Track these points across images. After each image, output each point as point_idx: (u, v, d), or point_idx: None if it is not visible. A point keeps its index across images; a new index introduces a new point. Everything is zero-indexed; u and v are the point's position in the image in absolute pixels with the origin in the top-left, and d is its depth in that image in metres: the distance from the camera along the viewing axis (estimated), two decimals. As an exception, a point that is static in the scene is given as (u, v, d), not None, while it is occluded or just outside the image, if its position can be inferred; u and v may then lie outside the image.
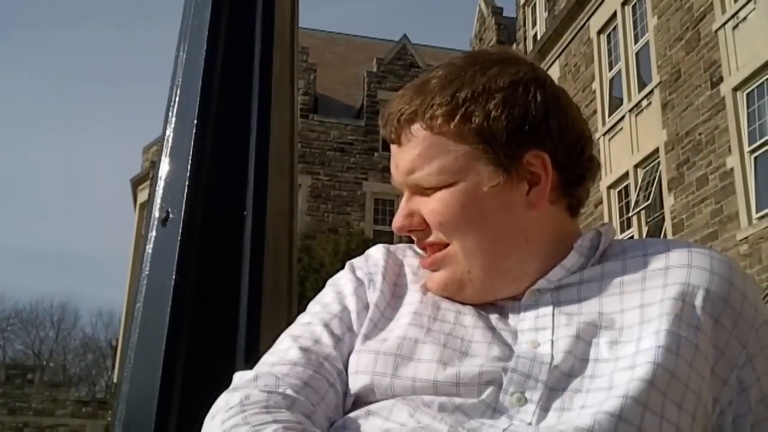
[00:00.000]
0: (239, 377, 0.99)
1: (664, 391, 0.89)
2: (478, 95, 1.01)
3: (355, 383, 0.99)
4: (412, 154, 1.04)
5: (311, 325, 1.05)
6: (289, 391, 0.95)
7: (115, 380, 25.01)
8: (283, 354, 1.01)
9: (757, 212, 12.98)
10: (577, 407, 0.90)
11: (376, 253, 1.14)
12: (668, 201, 15.07)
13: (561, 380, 0.92)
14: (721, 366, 0.95)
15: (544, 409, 0.90)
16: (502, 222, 1.01)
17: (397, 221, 1.06)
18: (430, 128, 1.02)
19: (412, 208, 1.05)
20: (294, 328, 1.07)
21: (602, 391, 0.90)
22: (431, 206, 1.03)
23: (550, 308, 0.99)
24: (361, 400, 0.98)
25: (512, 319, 1.00)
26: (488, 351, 0.96)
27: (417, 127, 1.03)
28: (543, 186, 1.02)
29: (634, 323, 0.95)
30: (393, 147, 1.08)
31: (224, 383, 1.00)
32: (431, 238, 1.04)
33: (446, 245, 1.03)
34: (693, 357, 0.92)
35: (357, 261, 1.14)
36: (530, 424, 0.90)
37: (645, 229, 15.79)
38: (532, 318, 0.99)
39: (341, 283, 1.11)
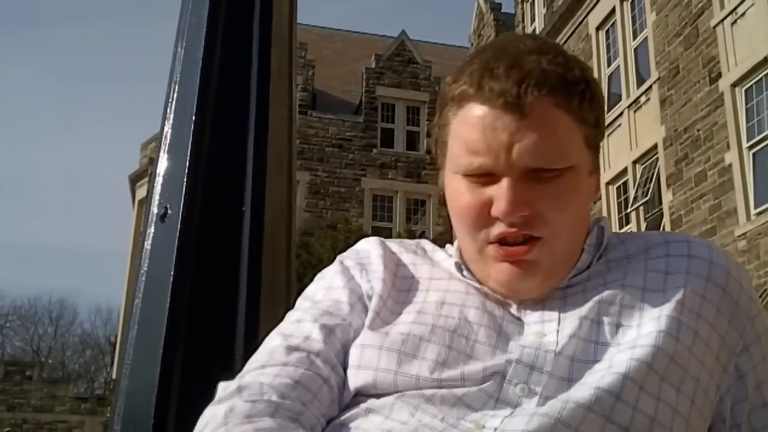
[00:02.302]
0: (223, 389, 0.97)
1: (662, 374, 0.91)
2: (584, 80, 0.99)
3: (358, 378, 0.97)
4: (541, 131, 0.94)
5: (301, 322, 1.03)
6: (275, 397, 0.93)
7: (113, 377, 25.00)
8: (273, 353, 1.00)
9: (755, 208, 12.99)
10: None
11: (368, 245, 1.11)
12: (667, 197, 15.08)
13: (566, 370, 0.92)
14: (723, 353, 0.97)
15: (549, 399, 0.90)
16: (587, 210, 1.03)
17: (514, 207, 0.94)
18: (559, 105, 0.95)
19: (527, 195, 0.94)
20: (284, 326, 1.05)
21: (602, 371, 0.91)
22: (556, 191, 0.95)
23: (557, 302, 0.99)
24: (361, 394, 0.97)
25: (518, 312, 1.00)
26: (493, 351, 0.95)
27: (549, 101, 0.95)
28: (599, 173, 1.05)
29: (637, 311, 0.96)
30: (506, 118, 0.94)
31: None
32: (530, 229, 0.96)
33: (537, 237, 0.96)
34: (692, 342, 0.94)
35: (347, 253, 1.12)
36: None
37: (644, 225, 15.79)
38: (538, 311, 0.99)
39: (331, 276, 1.09)
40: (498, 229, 0.96)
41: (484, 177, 0.96)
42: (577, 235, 1.01)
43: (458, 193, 0.99)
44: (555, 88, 0.95)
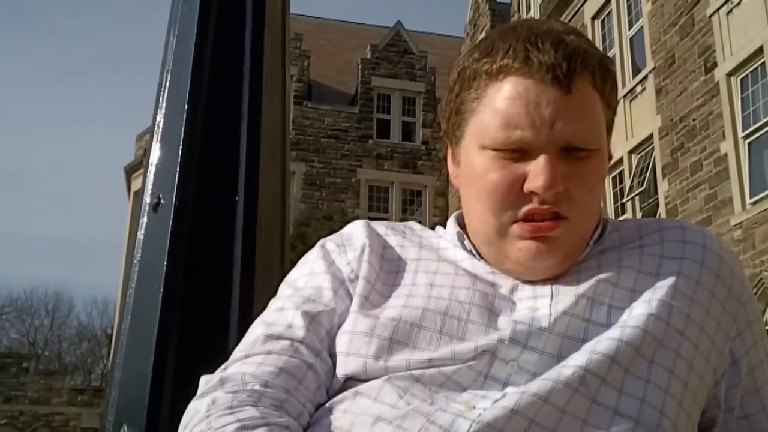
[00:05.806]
0: (205, 382, 0.96)
1: (651, 357, 0.92)
2: (612, 67, 1.01)
3: (348, 365, 0.97)
4: (582, 110, 0.95)
5: (283, 310, 1.03)
6: (258, 386, 0.92)
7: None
8: (256, 343, 0.99)
9: (751, 197, 13.01)
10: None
11: (352, 227, 1.10)
12: (662, 187, 15.09)
13: (556, 347, 0.92)
14: (718, 338, 0.98)
15: (537, 375, 0.90)
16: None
17: (553, 182, 0.93)
18: (596, 86, 0.97)
19: (562, 172, 0.94)
20: (266, 315, 1.05)
21: (590, 351, 0.91)
22: (586, 172, 0.96)
23: (550, 280, 0.99)
24: (351, 379, 0.97)
25: (509, 290, 0.99)
26: (486, 330, 0.95)
27: (590, 80, 0.96)
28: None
29: (630, 293, 0.96)
30: (551, 93, 0.93)
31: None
32: (559, 208, 0.95)
33: (563, 216, 0.96)
34: (685, 326, 0.94)
35: (330, 237, 1.11)
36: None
37: (639, 215, 15.81)
38: (530, 288, 0.98)
39: (312, 261, 1.08)
40: (528, 206, 0.95)
41: (517, 152, 0.95)
42: (595, 219, 1.02)
43: (486, 169, 0.97)
44: (595, 69, 0.97)
